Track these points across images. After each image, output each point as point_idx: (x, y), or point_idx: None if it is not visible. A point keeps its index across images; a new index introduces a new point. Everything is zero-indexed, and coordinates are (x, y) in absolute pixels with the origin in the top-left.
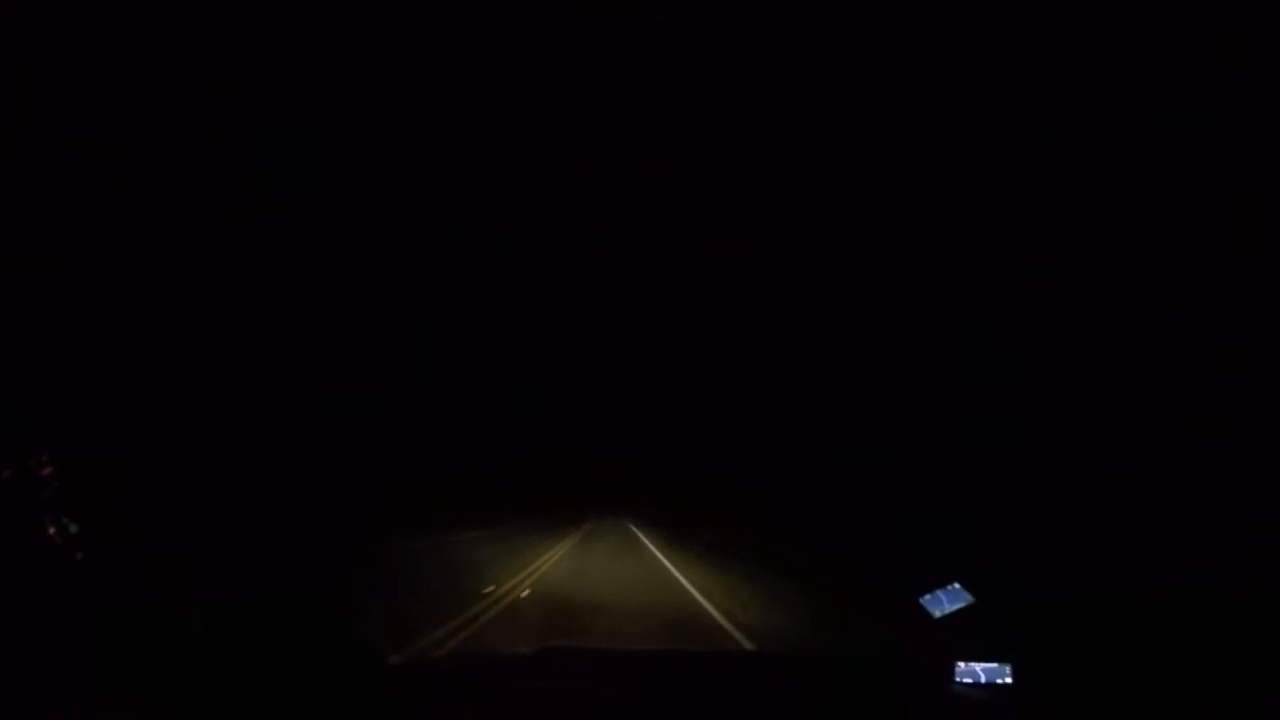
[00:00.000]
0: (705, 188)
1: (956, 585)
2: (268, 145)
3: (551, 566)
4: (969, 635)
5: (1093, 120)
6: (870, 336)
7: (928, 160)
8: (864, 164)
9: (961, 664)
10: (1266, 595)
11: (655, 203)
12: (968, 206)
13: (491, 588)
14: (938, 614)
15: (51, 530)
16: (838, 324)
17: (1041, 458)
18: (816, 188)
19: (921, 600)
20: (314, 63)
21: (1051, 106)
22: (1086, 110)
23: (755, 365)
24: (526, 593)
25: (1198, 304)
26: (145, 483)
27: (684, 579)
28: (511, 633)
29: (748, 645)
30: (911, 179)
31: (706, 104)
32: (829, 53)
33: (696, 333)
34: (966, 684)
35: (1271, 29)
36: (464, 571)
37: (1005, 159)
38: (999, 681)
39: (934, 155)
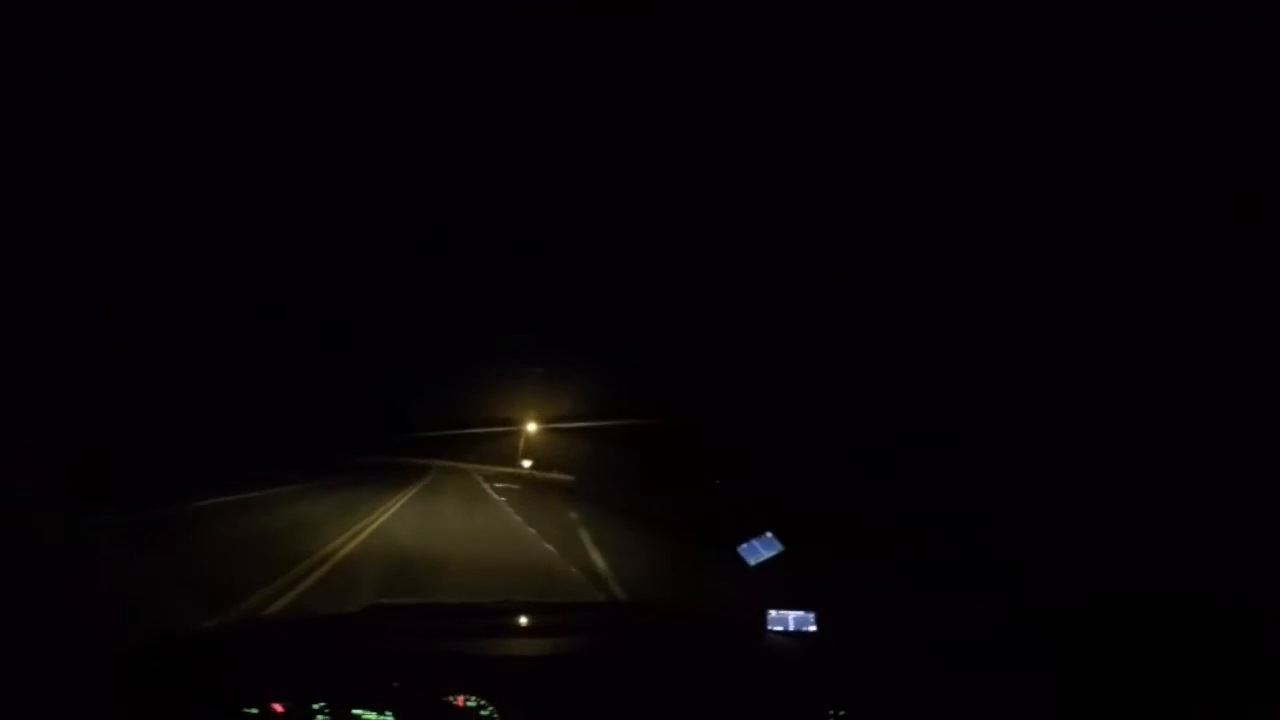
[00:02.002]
0: (704, 183)
1: (769, 534)
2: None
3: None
4: (781, 583)
5: (1093, 117)
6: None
7: (932, 155)
8: (866, 160)
9: (773, 611)
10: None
11: (656, 198)
12: (970, 204)
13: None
14: (753, 562)
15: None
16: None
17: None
18: (816, 183)
19: (738, 549)
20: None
21: (1050, 105)
22: (1086, 108)
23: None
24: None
25: (1201, 303)
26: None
27: None
28: (340, 594)
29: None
30: (916, 174)
31: (702, 99)
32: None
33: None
34: (778, 631)
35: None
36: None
37: (1008, 156)
38: (806, 629)
39: (937, 150)
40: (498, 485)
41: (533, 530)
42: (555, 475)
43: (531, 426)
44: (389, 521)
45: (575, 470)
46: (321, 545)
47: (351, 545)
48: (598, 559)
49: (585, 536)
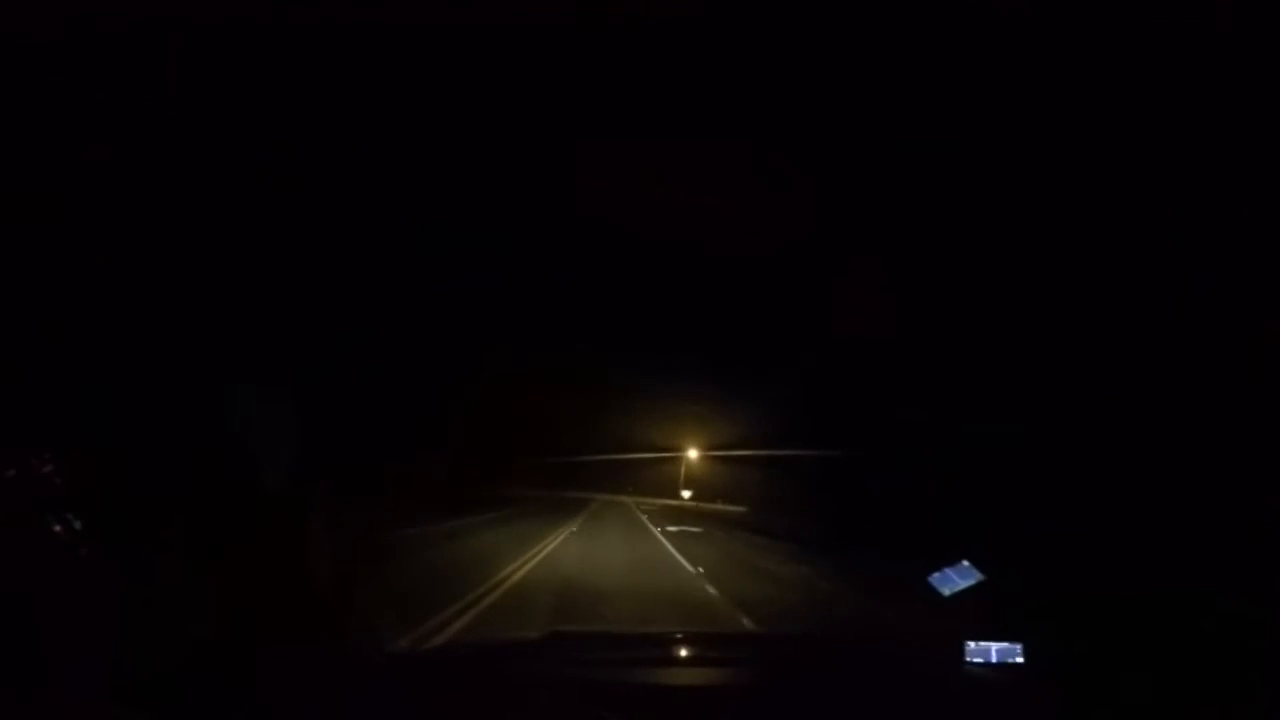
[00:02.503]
0: (708, 175)
1: (965, 563)
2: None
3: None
4: (980, 614)
5: (1096, 113)
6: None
7: (932, 149)
8: (867, 151)
9: (972, 643)
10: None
11: (654, 194)
12: (972, 200)
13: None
14: (947, 592)
15: (57, 528)
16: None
17: (1062, 447)
18: (818, 172)
19: (930, 578)
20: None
21: (1055, 99)
22: (1090, 104)
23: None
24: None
25: (1203, 304)
26: (148, 477)
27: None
28: (519, 619)
29: (753, 626)
30: (917, 169)
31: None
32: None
33: (697, 319)
34: (978, 663)
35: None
36: (467, 558)
37: (1011, 147)
38: (1010, 661)
39: (939, 144)
40: (670, 529)
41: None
42: (721, 506)
43: (692, 454)
44: (553, 556)
45: (746, 502)
46: (495, 573)
47: (519, 576)
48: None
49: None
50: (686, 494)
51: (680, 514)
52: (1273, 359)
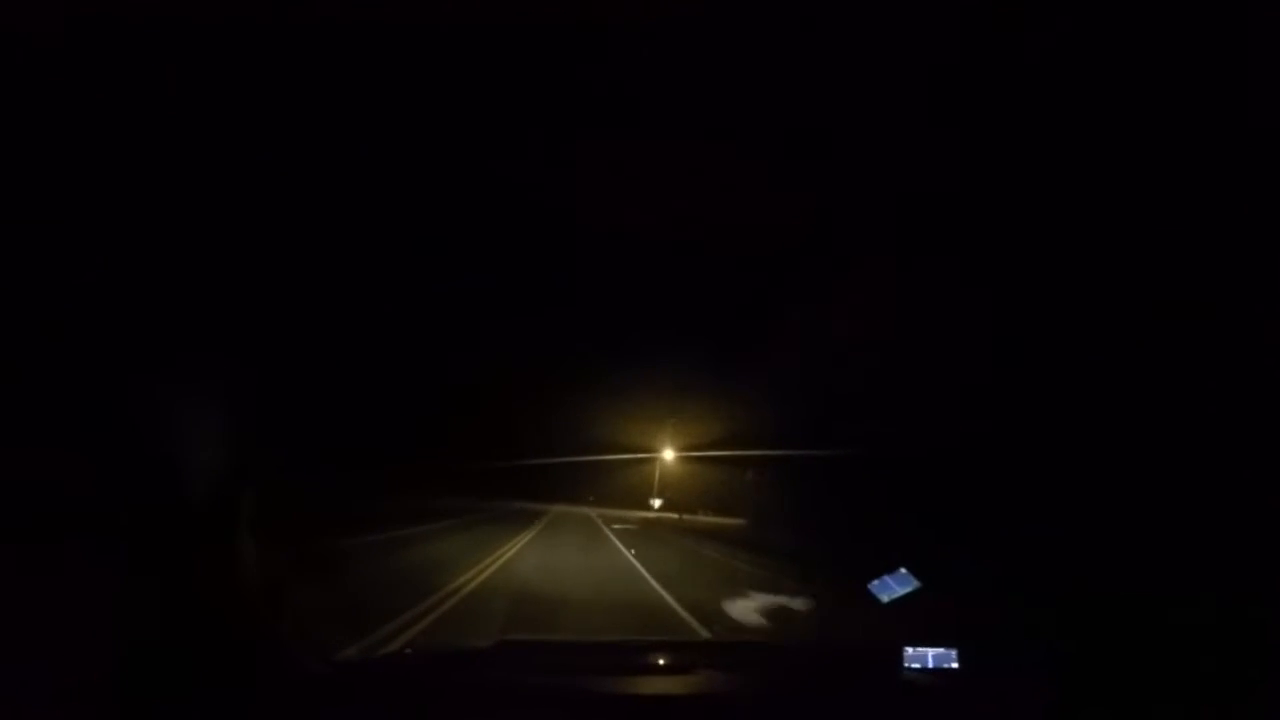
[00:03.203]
0: (702, 183)
1: (903, 571)
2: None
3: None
4: (917, 620)
5: (1094, 121)
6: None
7: (931, 151)
8: (866, 158)
9: (910, 649)
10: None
11: (653, 196)
12: (969, 200)
13: None
14: (885, 599)
15: None
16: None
17: (1066, 449)
18: (814, 179)
19: (869, 586)
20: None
21: (1051, 107)
22: (1086, 112)
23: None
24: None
25: (1204, 305)
26: (60, 480)
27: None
28: (470, 627)
29: (704, 633)
30: (917, 171)
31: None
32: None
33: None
34: (915, 669)
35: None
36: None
37: (1012, 155)
38: (946, 666)
39: (938, 146)
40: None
41: None
42: (705, 518)
43: (667, 455)
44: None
45: (740, 512)
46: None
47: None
48: None
49: None
50: (656, 503)
51: (678, 538)
52: (1272, 359)
